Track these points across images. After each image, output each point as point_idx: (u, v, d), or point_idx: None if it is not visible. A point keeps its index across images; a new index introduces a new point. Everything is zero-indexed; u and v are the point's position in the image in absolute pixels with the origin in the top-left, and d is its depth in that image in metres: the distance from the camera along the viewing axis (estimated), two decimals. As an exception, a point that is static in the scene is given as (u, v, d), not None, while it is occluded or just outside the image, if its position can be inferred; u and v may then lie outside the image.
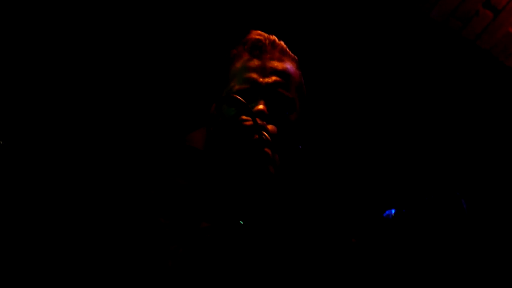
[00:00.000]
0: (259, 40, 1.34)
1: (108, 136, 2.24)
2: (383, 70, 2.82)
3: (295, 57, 1.42)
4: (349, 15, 2.74)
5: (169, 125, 2.27)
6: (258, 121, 1.14)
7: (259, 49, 1.33)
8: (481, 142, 2.83)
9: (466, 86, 2.86)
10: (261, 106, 1.23)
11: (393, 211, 1.38)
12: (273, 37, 1.37)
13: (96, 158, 2.15)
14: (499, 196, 2.66)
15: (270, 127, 1.19)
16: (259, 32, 1.38)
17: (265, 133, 1.12)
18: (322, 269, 1.20)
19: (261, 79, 1.29)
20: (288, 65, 1.35)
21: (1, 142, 1.92)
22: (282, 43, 1.39)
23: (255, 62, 1.31)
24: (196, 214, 1.14)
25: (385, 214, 1.39)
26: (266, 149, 1.12)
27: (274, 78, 1.30)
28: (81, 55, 2.37)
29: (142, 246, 1.14)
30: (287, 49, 1.39)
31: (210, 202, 1.15)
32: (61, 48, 2.35)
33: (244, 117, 1.14)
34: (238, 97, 1.14)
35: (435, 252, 1.34)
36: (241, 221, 1.08)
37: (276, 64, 1.32)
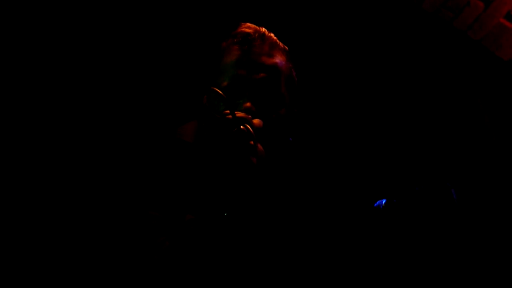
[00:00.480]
0: (248, 34, 1.34)
1: (100, 128, 2.24)
2: (375, 61, 2.82)
3: (286, 48, 1.41)
4: (341, 6, 2.74)
5: (162, 118, 2.27)
6: (240, 114, 1.15)
7: (248, 44, 1.32)
8: (472, 132, 2.84)
9: (457, 77, 2.87)
10: (248, 104, 1.24)
11: (383, 201, 1.39)
12: (263, 30, 1.37)
13: (87, 151, 2.15)
14: (489, 187, 2.68)
15: (255, 121, 1.20)
16: (249, 24, 1.38)
17: (247, 126, 1.13)
18: (309, 259, 1.21)
19: (248, 76, 1.29)
20: (278, 60, 1.35)
21: None
22: (272, 35, 1.38)
23: (244, 58, 1.31)
24: (183, 206, 1.15)
25: (376, 204, 1.39)
26: (248, 141, 1.12)
27: (262, 74, 1.30)
28: (71, 49, 2.36)
29: (131, 239, 1.14)
30: (277, 41, 1.38)
31: (196, 195, 1.15)
32: (47, 42, 2.34)
33: (227, 111, 1.15)
34: (218, 90, 1.15)
35: (426, 242, 1.35)
36: (225, 213, 1.09)
37: (265, 60, 1.32)
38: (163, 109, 2.30)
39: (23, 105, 2.23)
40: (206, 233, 1.10)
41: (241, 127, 1.12)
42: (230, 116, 1.14)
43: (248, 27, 1.36)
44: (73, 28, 2.38)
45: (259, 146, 1.17)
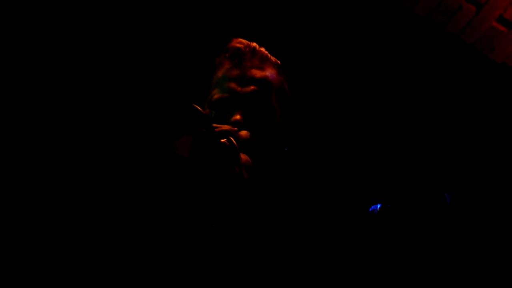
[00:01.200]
0: (239, 48, 1.37)
1: (96, 140, 2.25)
2: (368, 65, 2.84)
3: (278, 62, 1.43)
4: (334, 11, 2.75)
5: (158, 131, 2.28)
6: (226, 127, 1.17)
7: (238, 58, 1.35)
8: (466, 136, 2.86)
9: (451, 80, 2.89)
10: (238, 116, 1.27)
11: (378, 206, 1.40)
12: (254, 45, 1.39)
13: (82, 161, 2.16)
14: (483, 191, 2.69)
15: (242, 132, 1.21)
16: (240, 40, 1.40)
17: (231, 138, 1.15)
18: (303, 266, 1.22)
19: (239, 88, 1.32)
20: (268, 72, 1.37)
21: None
22: (263, 49, 1.40)
23: (235, 71, 1.34)
24: (174, 220, 1.17)
25: (371, 209, 1.41)
26: (233, 153, 1.14)
27: (252, 87, 1.32)
28: (66, 66, 2.37)
29: (123, 251, 1.16)
30: (268, 55, 1.40)
31: (185, 208, 1.17)
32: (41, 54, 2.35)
33: (214, 124, 1.17)
34: (197, 106, 1.17)
35: (420, 245, 1.36)
36: (213, 224, 1.11)
37: (255, 73, 1.35)
38: (160, 122, 2.31)
39: (14, 111, 2.24)
40: (195, 246, 1.12)
41: (222, 140, 1.14)
42: (219, 129, 1.16)
43: (240, 42, 1.39)
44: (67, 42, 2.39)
45: (244, 156, 1.18)
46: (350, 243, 1.31)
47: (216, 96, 1.33)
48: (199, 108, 1.16)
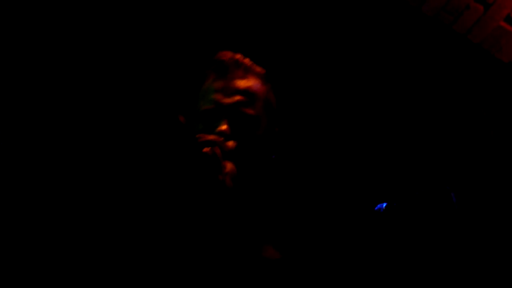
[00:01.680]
0: (222, 61, 1.41)
1: (85, 146, 2.27)
2: (374, 65, 2.84)
3: (262, 71, 1.47)
4: (340, 10, 2.75)
5: (145, 139, 2.30)
6: (211, 137, 1.23)
7: (223, 70, 1.40)
8: (472, 136, 2.85)
9: (457, 80, 2.89)
10: (223, 127, 1.32)
11: (384, 204, 1.41)
12: (238, 56, 1.43)
13: (73, 165, 2.18)
14: (489, 190, 2.69)
15: (229, 143, 1.28)
16: (225, 52, 1.45)
17: (214, 148, 1.20)
18: (306, 266, 1.23)
19: (224, 100, 1.36)
20: (252, 83, 1.41)
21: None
22: (247, 60, 1.44)
23: (220, 83, 1.39)
24: (160, 225, 1.21)
25: (376, 208, 1.41)
26: (215, 162, 1.20)
27: (236, 98, 1.36)
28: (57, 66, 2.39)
29: (114, 251, 1.19)
30: (252, 66, 1.44)
31: (171, 212, 1.22)
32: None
33: (198, 135, 1.23)
34: (181, 117, 1.22)
35: (426, 244, 1.37)
36: (199, 229, 1.15)
37: (239, 84, 1.39)
38: (147, 131, 2.33)
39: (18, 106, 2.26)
40: (179, 250, 1.16)
41: (206, 149, 1.19)
42: (203, 139, 1.22)
43: (224, 55, 1.43)
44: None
45: (229, 165, 1.25)
46: (356, 241, 1.32)
47: (202, 108, 1.38)
48: (183, 118, 1.21)
